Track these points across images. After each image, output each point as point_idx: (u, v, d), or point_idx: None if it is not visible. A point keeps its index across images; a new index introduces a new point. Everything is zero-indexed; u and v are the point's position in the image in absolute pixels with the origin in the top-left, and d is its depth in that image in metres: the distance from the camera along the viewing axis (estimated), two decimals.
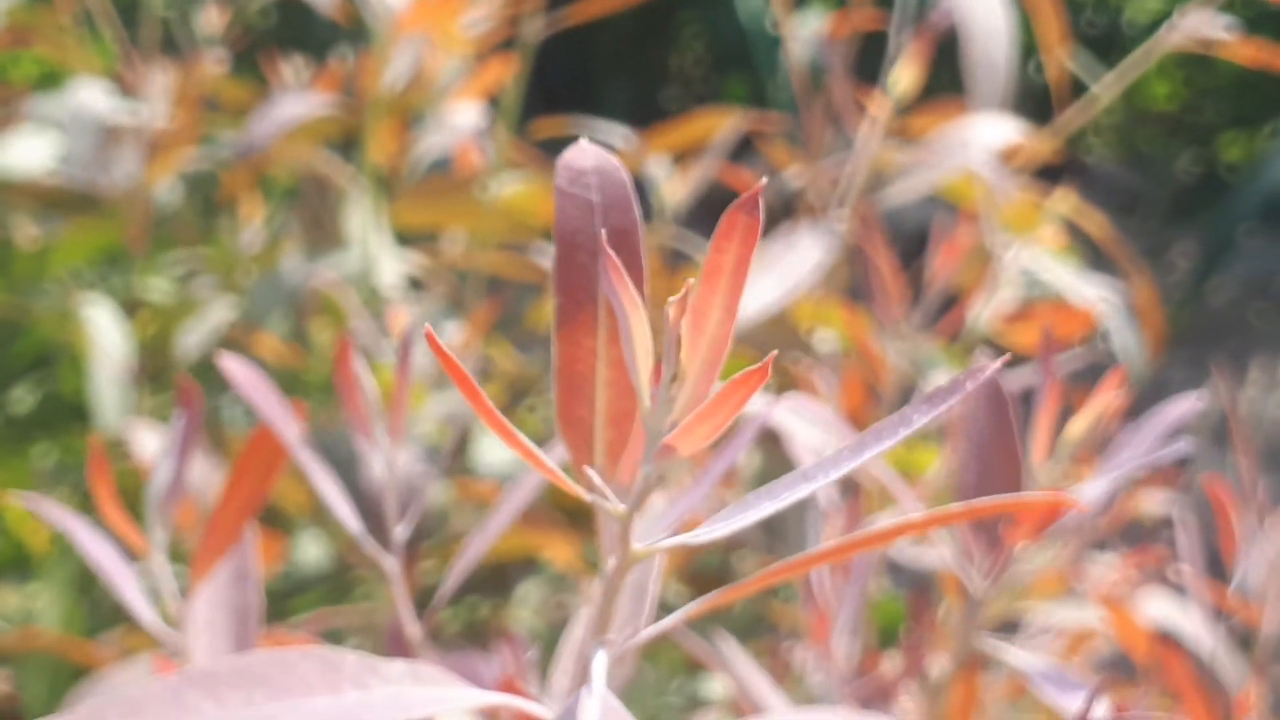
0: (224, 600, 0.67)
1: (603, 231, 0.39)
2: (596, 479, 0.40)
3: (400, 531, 0.63)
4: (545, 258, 1.37)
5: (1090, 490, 0.61)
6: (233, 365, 0.62)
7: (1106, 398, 0.61)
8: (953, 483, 0.63)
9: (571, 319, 0.42)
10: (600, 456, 0.43)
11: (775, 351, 0.38)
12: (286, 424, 0.60)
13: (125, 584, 0.65)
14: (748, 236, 0.38)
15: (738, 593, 0.42)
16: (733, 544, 1.17)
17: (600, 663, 0.42)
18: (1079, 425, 0.62)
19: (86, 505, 1.45)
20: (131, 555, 0.68)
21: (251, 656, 0.40)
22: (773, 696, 0.75)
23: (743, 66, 2.39)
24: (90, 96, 1.44)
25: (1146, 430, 0.60)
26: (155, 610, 0.66)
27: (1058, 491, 0.57)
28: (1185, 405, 0.60)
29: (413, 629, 0.62)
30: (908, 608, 0.88)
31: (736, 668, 0.78)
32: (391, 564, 0.62)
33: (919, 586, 1.19)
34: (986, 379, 0.64)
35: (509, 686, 0.46)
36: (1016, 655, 0.67)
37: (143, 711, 0.39)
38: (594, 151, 0.43)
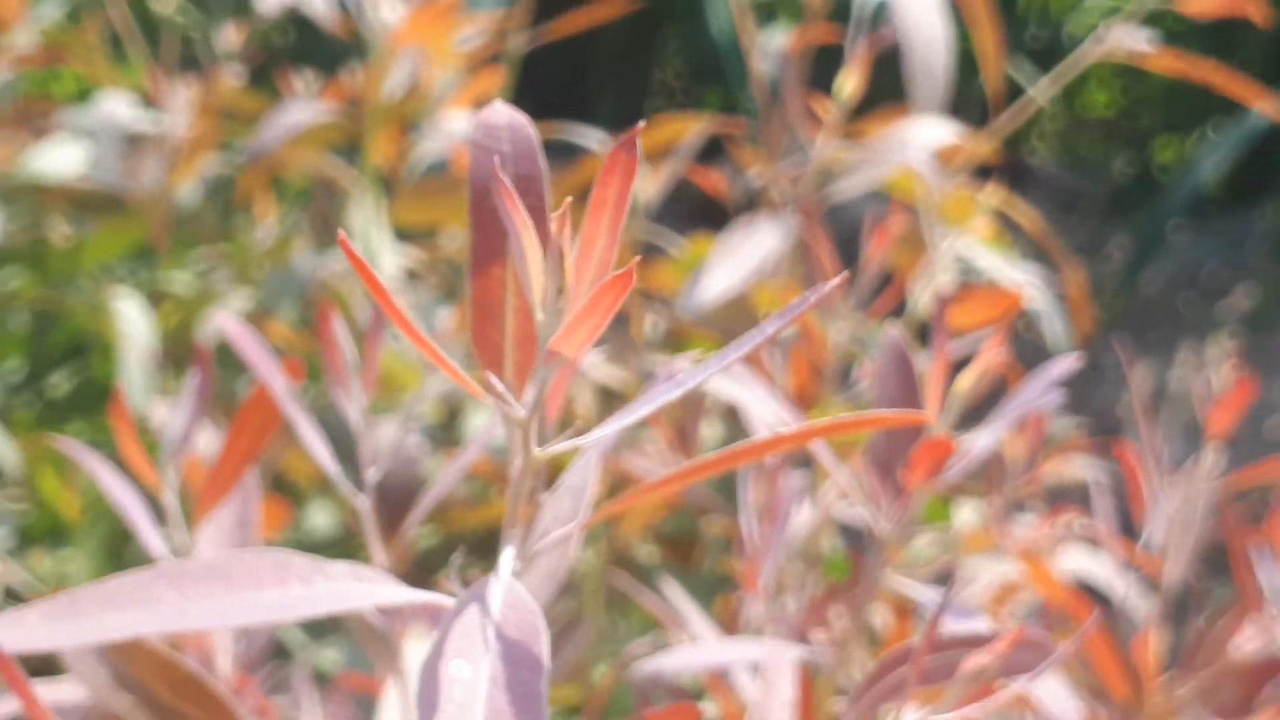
0: (226, 540, 0.68)
1: (501, 184, 0.40)
2: (498, 385, 0.41)
3: (372, 474, 0.64)
4: None
5: (980, 439, 0.61)
6: (230, 325, 0.63)
7: (990, 355, 0.62)
8: (867, 444, 0.64)
9: (484, 254, 0.44)
10: (509, 374, 0.44)
11: (637, 259, 0.39)
12: (275, 377, 0.61)
13: (140, 518, 0.66)
14: (627, 173, 0.39)
15: (640, 496, 0.43)
16: (700, 510, 1.18)
17: (508, 555, 0.43)
18: (965, 381, 0.63)
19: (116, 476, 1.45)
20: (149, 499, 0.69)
21: (216, 557, 0.42)
22: (706, 629, 0.76)
23: (717, 79, 2.39)
24: (118, 108, 1.44)
25: (1029, 387, 0.61)
26: (166, 545, 0.67)
27: (944, 437, 0.58)
28: (1062, 365, 0.61)
29: (379, 557, 0.63)
30: (851, 563, 0.88)
31: (677, 605, 0.79)
32: (363, 502, 0.63)
33: (864, 546, 1.19)
34: (895, 348, 0.65)
35: (438, 588, 0.47)
36: (916, 588, 0.68)
37: (115, 599, 0.40)
38: (506, 111, 0.45)
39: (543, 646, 0.39)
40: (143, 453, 0.69)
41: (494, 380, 0.42)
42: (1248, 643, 0.82)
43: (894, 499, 0.63)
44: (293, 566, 0.43)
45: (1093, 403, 2.13)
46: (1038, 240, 1.32)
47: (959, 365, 0.69)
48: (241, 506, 0.68)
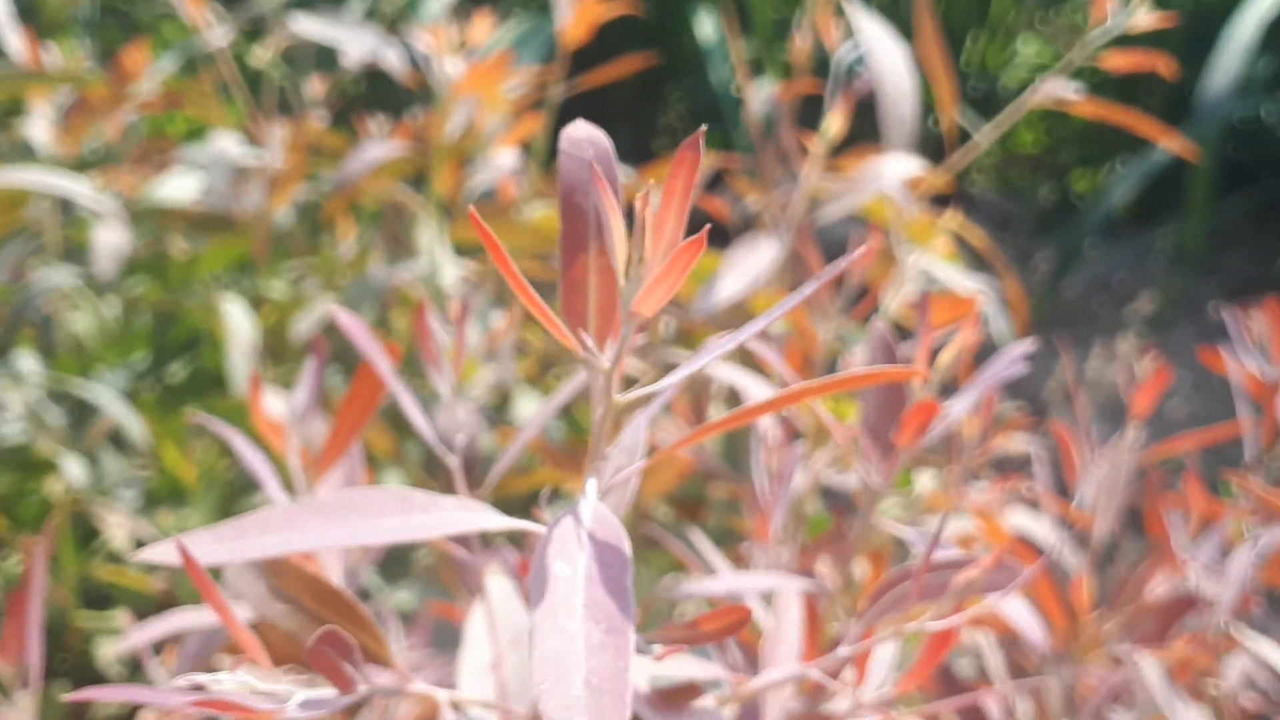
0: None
1: (598, 175, 0.41)
2: (588, 340, 0.43)
3: (461, 438, 0.65)
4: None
5: (958, 405, 0.62)
6: (343, 317, 0.64)
7: (966, 335, 0.63)
8: (861, 414, 0.65)
9: (571, 242, 0.45)
10: (593, 335, 0.45)
11: (707, 227, 0.40)
12: (381, 359, 0.62)
13: (266, 475, 0.67)
14: (692, 167, 0.40)
15: (676, 448, 0.44)
16: (708, 476, 1.19)
17: (593, 483, 0.44)
18: (946, 356, 0.64)
19: (224, 450, 1.46)
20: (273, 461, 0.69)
21: (349, 493, 0.44)
22: (723, 565, 0.77)
23: (715, 121, 2.40)
24: (226, 145, 1.45)
25: (997, 363, 0.62)
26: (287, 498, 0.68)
27: (926, 402, 0.59)
28: (1019, 348, 0.62)
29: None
30: (834, 521, 0.89)
31: (700, 548, 0.80)
32: (454, 460, 0.64)
33: (844, 506, 1.20)
34: (882, 337, 0.65)
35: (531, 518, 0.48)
36: (900, 528, 0.69)
37: (271, 525, 0.42)
38: (586, 127, 0.46)
39: (626, 548, 0.40)
40: (271, 422, 0.70)
41: (585, 336, 0.43)
42: (1160, 586, 0.83)
43: (884, 457, 0.64)
44: (414, 499, 0.44)
45: (1024, 389, 2.13)
46: (983, 255, 1.32)
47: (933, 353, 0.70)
48: (349, 468, 0.69)
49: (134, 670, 1.31)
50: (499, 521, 0.44)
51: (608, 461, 0.46)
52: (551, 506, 0.69)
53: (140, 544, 1.28)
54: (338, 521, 0.43)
